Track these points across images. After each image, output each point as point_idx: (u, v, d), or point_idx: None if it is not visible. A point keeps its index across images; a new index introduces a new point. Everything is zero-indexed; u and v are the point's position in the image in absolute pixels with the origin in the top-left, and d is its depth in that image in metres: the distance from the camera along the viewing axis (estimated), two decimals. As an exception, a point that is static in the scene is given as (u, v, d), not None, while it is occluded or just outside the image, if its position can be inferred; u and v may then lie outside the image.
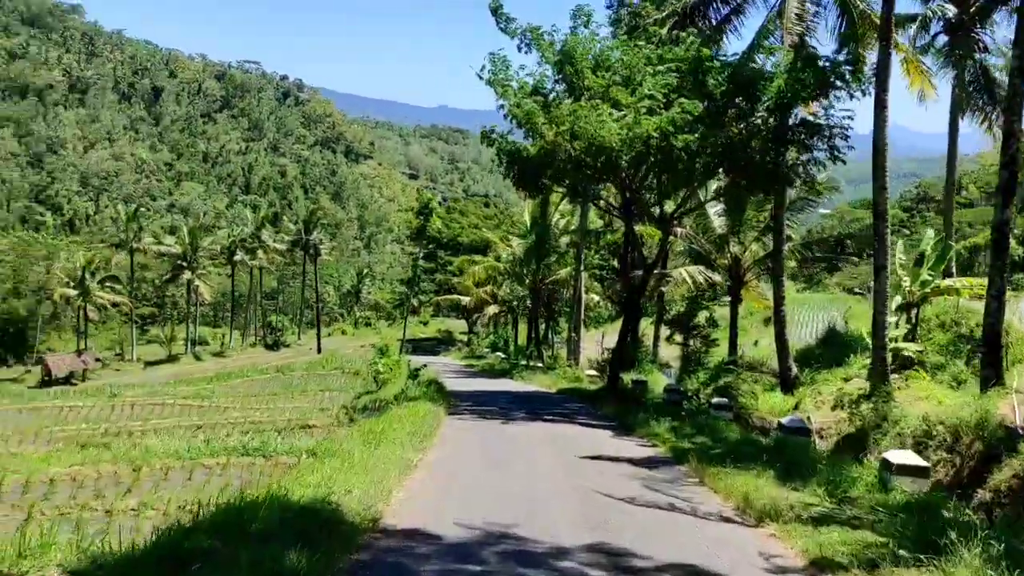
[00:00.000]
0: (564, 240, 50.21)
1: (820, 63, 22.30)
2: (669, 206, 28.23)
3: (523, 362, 49.78)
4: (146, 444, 20.60)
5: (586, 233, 45.52)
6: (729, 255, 33.17)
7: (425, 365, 36.32)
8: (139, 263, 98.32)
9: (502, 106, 23.54)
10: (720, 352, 34.22)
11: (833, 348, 28.00)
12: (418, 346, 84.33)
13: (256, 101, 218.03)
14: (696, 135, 20.60)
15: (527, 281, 51.71)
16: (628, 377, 31.02)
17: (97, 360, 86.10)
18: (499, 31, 24.19)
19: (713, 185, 31.03)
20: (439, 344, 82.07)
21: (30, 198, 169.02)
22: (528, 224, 50.12)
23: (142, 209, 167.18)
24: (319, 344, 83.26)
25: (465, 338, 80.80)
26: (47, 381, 75.59)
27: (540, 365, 47.25)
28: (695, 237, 34.58)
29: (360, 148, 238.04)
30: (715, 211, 33.25)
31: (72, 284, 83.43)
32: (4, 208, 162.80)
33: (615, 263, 39.61)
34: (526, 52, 24.22)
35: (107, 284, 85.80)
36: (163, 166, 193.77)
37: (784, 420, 15.80)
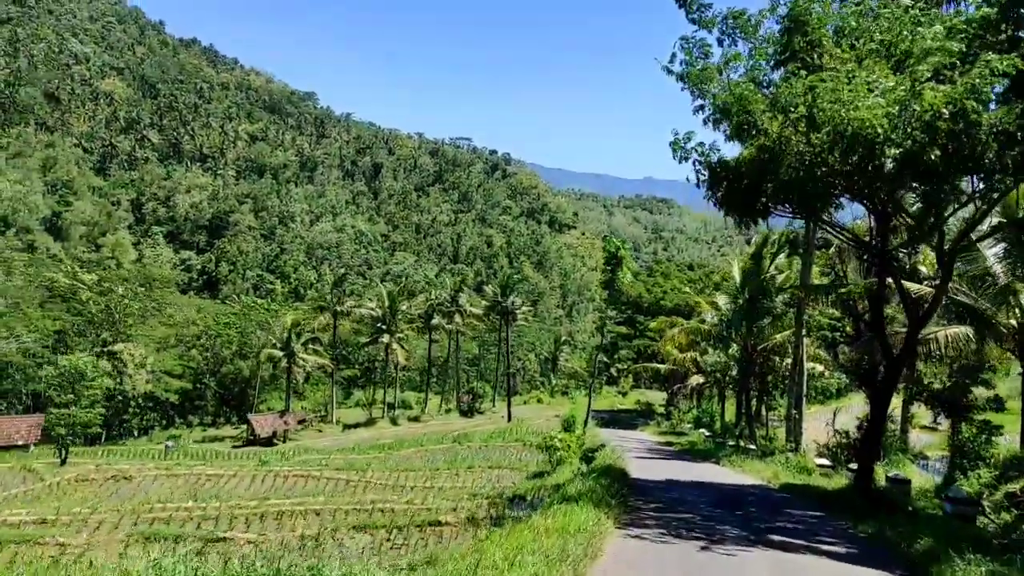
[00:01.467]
0: (781, 299, 42.07)
1: None
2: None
3: (731, 442, 41.69)
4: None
5: (809, 288, 37.32)
6: (1019, 312, 24.26)
7: (603, 445, 29.51)
8: (349, 328, 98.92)
9: (701, 106, 17.14)
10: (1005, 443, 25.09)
11: None
12: (615, 418, 77.24)
13: (466, 175, 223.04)
14: (1018, 108, 13.04)
15: (736, 347, 43.80)
16: (880, 470, 22.90)
17: (302, 422, 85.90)
18: (690, 23, 17.77)
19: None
20: (637, 417, 74.52)
21: (263, 267, 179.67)
22: (738, 280, 42.48)
23: (356, 276, 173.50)
24: (509, 412, 78.28)
25: (665, 411, 72.99)
26: (252, 440, 75.49)
27: (753, 447, 39.06)
28: (958, 287, 25.86)
29: (564, 219, 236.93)
30: (994, 251, 24.61)
31: (279, 346, 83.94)
32: (241, 276, 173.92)
33: (849, 324, 31.30)
34: (730, 44, 17.66)
35: (311, 346, 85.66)
36: (379, 237, 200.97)
37: None
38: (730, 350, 46.42)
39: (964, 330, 25.78)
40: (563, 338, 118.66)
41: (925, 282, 26.57)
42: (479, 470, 33.20)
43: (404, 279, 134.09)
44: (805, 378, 40.14)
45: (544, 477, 26.31)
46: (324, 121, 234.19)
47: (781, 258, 42.06)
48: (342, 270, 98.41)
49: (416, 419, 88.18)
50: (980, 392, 26.20)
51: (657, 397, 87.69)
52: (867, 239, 20.46)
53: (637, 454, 37.95)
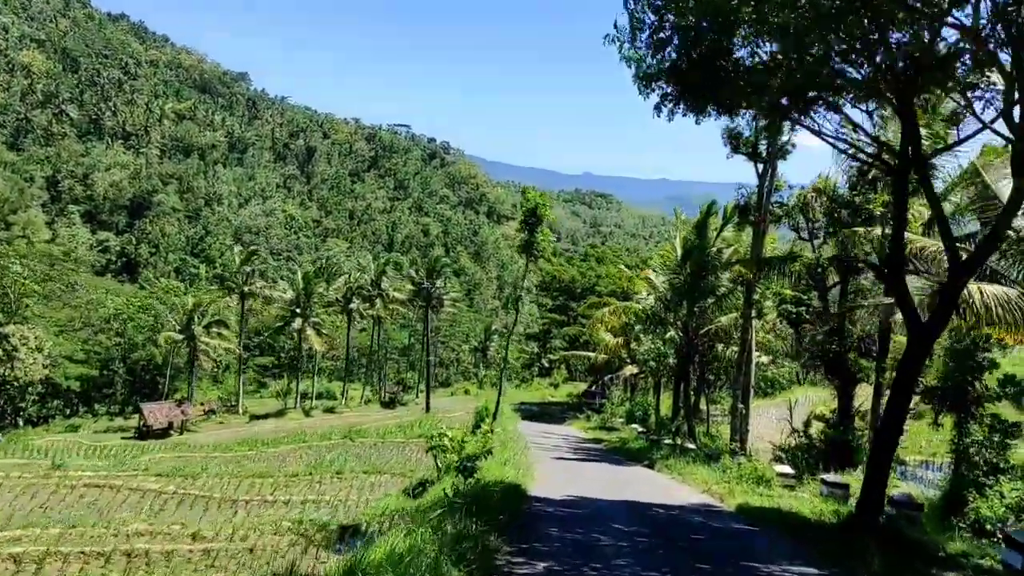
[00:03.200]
0: (727, 277, 35.80)
1: None
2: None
3: (667, 440, 35.31)
4: None
5: (761, 262, 31.08)
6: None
7: (491, 451, 22.52)
8: (275, 313, 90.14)
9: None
10: None
11: None
12: (544, 412, 70.64)
13: (403, 162, 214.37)
14: None
15: (675, 332, 37.39)
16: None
17: (211, 412, 77.47)
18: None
19: None
20: (567, 410, 67.87)
21: (186, 251, 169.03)
22: (679, 253, 36.03)
23: (285, 261, 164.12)
24: (428, 403, 71.20)
25: (597, 404, 66.63)
26: (145, 432, 66.72)
27: (692, 447, 32.68)
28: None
29: (503, 210, 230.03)
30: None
31: (178, 328, 75.33)
32: (163, 259, 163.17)
33: (815, 300, 24.94)
34: None
35: (215, 330, 77.16)
36: (311, 222, 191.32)
37: None
38: (668, 335, 40.04)
39: (1005, 291, 18.54)
40: (493, 327, 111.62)
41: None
42: (349, 477, 26.14)
43: (330, 264, 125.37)
44: (754, 367, 33.97)
45: (425, 489, 19.44)
46: (257, 103, 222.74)
47: (729, 230, 35.78)
48: (252, 248, 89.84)
49: (332, 410, 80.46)
50: (995, 378, 20.00)
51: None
52: (874, 154, 13.84)
53: (558, 454, 31.23)
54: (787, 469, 21.79)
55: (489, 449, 24.25)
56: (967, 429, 19.05)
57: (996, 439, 18.41)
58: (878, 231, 14.68)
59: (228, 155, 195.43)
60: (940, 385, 19.66)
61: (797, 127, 13.37)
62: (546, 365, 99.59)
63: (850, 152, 14.72)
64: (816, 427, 28.27)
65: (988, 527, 16.78)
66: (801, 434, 26.60)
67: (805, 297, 24.11)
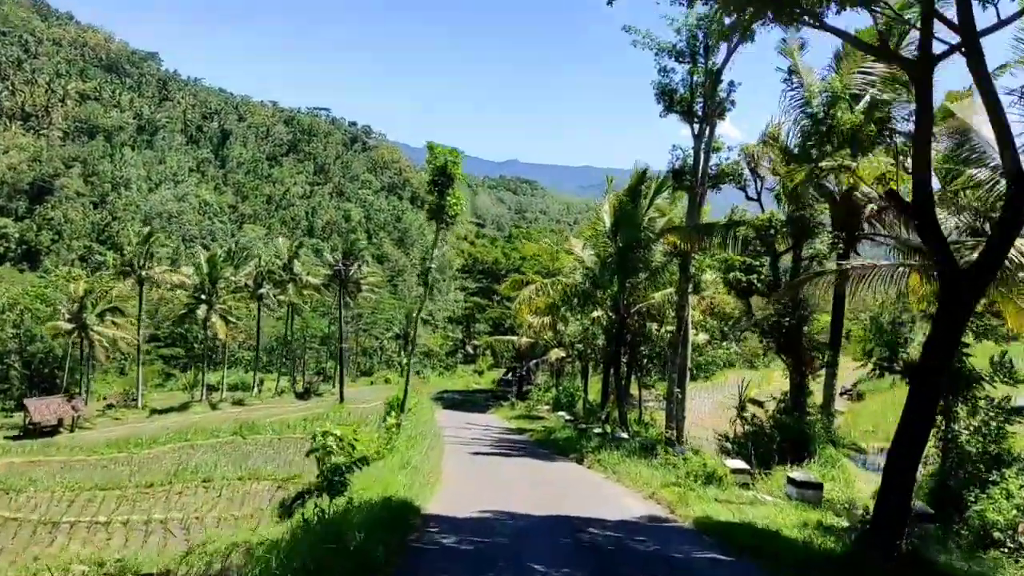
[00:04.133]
0: (661, 249, 32.30)
1: None
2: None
3: (597, 429, 31.71)
4: None
5: (698, 229, 27.70)
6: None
7: (376, 457, 18.27)
8: (183, 301, 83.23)
9: None
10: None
11: None
12: (468, 399, 66.69)
13: (323, 146, 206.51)
14: None
15: (604, 311, 33.73)
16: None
17: (111, 406, 71.05)
18: None
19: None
20: (491, 398, 63.92)
21: (92, 237, 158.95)
22: (608, 224, 32.28)
23: (200, 248, 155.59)
24: (341, 393, 66.53)
25: (522, 390, 62.86)
26: (30, 430, 60.10)
27: (625, 437, 29.14)
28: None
29: (426, 196, 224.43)
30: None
31: (68, 317, 68.51)
32: (66, 247, 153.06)
33: (765, 268, 21.41)
34: None
35: (109, 317, 70.54)
36: (226, 207, 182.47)
37: None
38: (596, 314, 36.41)
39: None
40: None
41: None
42: (219, 486, 21.63)
43: (241, 248, 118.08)
44: (690, 348, 30.58)
45: (304, 503, 15.24)
46: (168, 84, 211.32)
47: (663, 198, 32.21)
48: (147, 228, 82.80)
49: (241, 403, 74.76)
50: (998, 352, 16.73)
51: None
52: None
53: (476, 448, 27.25)
54: (740, 464, 18.28)
55: (391, 447, 20.33)
56: (955, 413, 15.72)
57: (995, 424, 15.12)
58: (880, 159, 11.21)
59: (137, 138, 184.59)
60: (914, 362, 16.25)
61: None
62: (471, 351, 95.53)
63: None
64: (760, 413, 24.95)
65: (997, 534, 13.47)
66: (748, 422, 23.17)
67: (756, 263, 20.61)
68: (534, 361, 54.12)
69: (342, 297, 75.29)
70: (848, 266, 19.25)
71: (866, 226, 21.50)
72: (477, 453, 25.59)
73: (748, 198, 23.32)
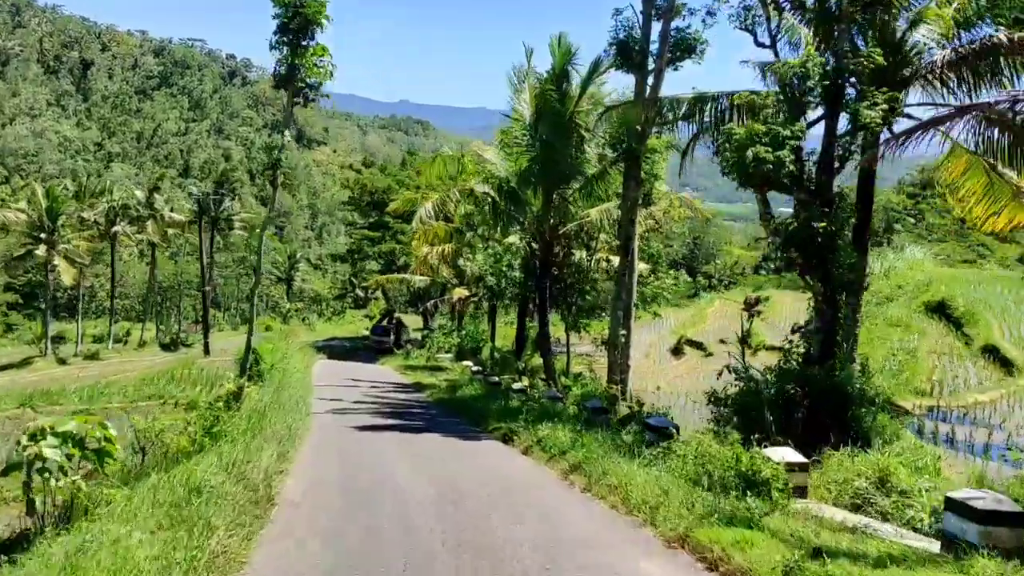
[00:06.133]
0: (596, 150, 24.44)
1: None
2: None
3: (517, 385, 24.10)
4: None
5: (657, 107, 20.06)
6: None
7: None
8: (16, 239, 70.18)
9: None
10: None
11: None
12: (357, 347, 57.94)
13: (198, 79, 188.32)
14: None
15: (520, 234, 25.69)
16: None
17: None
18: None
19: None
20: (381, 346, 55.11)
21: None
22: (528, 118, 24.09)
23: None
24: (206, 344, 56.73)
25: (420, 336, 54.49)
26: None
27: (558, 395, 21.58)
28: None
29: (313, 134, 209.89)
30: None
31: None
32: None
33: (789, 154, 13.62)
34: None
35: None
36: (91, 145, 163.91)
37: None
38: (511, 239, 28.46)
39: None
40: (299, 254, 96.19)
41: None
42: None
43: (92, 183, 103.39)
44: (636, 278, 23.01)
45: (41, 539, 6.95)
46: (22, 9, 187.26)
47: (601, 84, 24.20)
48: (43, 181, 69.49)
49: (96, 356, 63.57)
50: None
51: (415, 321, 68.64)
52: None
53: (355, 420, 19.05)
54: (792, 454, 10.76)
55: (216, 434, 12.05)
56: None
57: None
58: None
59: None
60: None
61: None
62: (361, 295, 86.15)
63: None
64: (756, 360, 17.78)
65: None
66: (742, 375, 15.66)
67: (787, 133, 12.89)
68: (432, 302, 45.86)
69: (213, 235, 64.62)
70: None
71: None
72: (357, 427, 17.46)
73: (758, 43, 15.69)
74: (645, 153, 21.40)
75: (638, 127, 20.33)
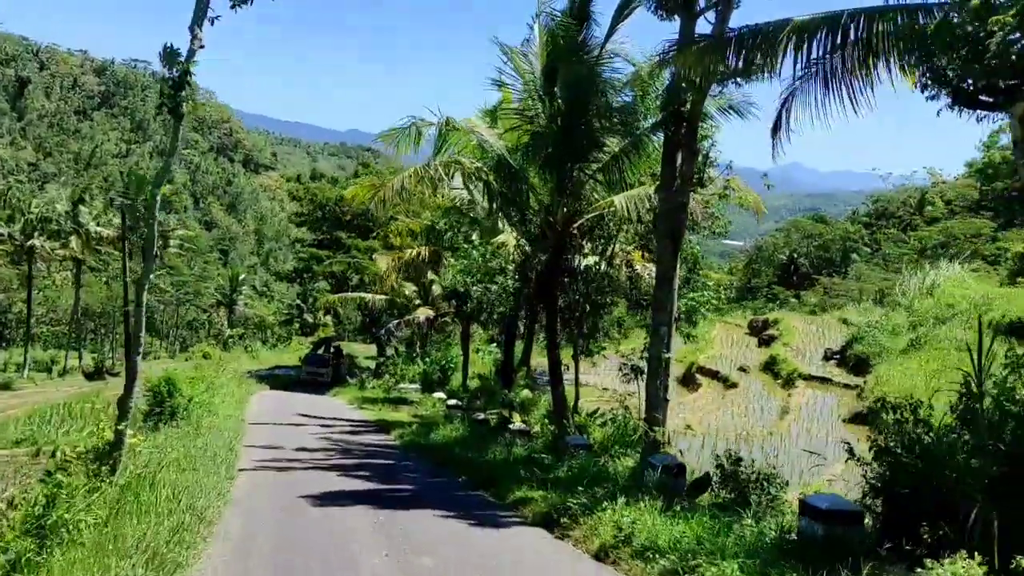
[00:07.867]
0: (620, 119, 18.35)
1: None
2: None
3: (512, 424, 17.76)
4: None
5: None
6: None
7: None
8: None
9: None
10: None
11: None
12: (304, 378, 50.46)
13: (141, 100, 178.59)
14: None
15: (528, 226, 19.29)
16: None
17: None
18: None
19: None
20: (316, 379, 47.22)
21: None
22: (537, 75, 17.95)
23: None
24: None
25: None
26: None
27: (582, 439, 15.24)
28: None
29: (261, 158, 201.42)
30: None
31: None
32: None
33: None
34: None
35: None
36: (25, 165, 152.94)
37: None
38: (500, 238, 22.16)
39: None
40: (241, 277, 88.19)
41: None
42: None
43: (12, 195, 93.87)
44: (677, 281, 16.77)
45: None
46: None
47: (623, 35, 18.10)
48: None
49: (7, 386, 54.92)
50: None
51: (364, 350, 60.87)
52: None
53: (300, 479, 12.30)
54: None
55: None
56: None
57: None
58: None
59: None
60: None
61: None
62: (309, 320, 78.57)
63: None
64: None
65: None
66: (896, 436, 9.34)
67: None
68: (393, 323, 39.06)
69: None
70: None
71: None
72: (305, 498, 10.88)
73: None
74: (705, 114, 15.48)
75: (695, 78, 14.25)
